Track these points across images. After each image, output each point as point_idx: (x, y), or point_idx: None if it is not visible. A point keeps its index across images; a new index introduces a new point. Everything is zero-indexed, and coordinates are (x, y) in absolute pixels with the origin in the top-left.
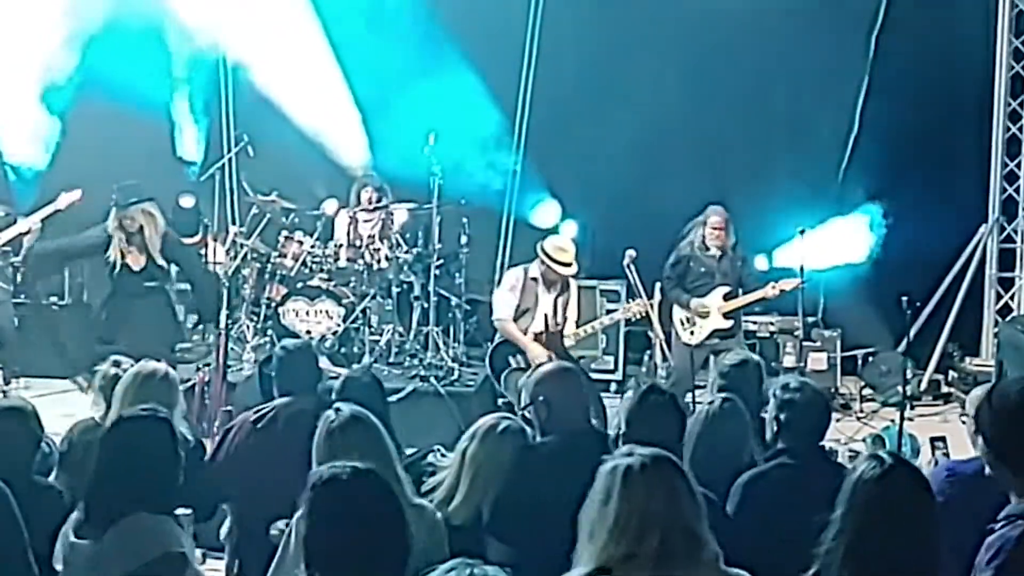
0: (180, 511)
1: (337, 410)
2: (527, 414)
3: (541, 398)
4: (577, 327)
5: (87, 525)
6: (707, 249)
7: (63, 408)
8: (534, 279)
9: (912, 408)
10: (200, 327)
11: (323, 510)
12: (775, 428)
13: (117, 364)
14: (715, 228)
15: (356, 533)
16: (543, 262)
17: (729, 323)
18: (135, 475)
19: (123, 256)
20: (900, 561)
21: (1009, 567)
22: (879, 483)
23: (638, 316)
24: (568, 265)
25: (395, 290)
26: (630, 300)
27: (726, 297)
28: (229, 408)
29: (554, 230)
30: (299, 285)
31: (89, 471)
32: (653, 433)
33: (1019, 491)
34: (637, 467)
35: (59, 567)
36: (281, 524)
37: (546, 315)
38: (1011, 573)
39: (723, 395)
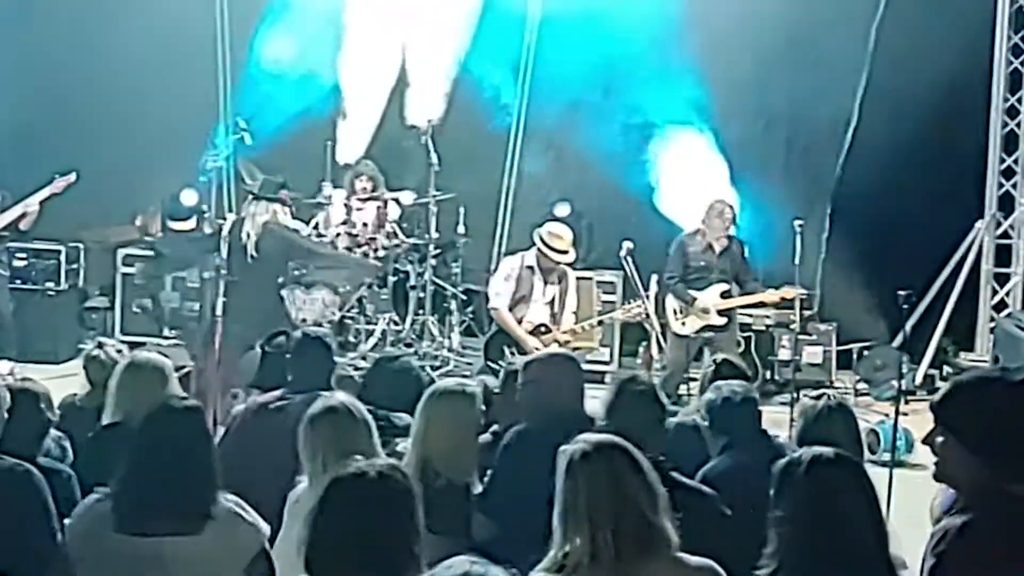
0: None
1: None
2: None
3: (532, 379)
4: (576, 320)
5: (160, 520)
6: (704, 243)
7: (58, 394)
8: (530, 267)
9: (907, 403)
10: (196, 313)
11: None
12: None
13: (100, 345)
14: (713, 221)
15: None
16: (539, 249)
17: (723, 320)
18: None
19: None
20: (836, 557)
21: (950, 554)
22: (808, 477)
23: (638, 318)
24: (564, 252)
25: (391, 279)
26: (629, 301)
27: (723, 295)
28: (236, 392)
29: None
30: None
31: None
32: (631, 424)
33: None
34: (578, 456)
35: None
36: None
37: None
38: (952, 560)
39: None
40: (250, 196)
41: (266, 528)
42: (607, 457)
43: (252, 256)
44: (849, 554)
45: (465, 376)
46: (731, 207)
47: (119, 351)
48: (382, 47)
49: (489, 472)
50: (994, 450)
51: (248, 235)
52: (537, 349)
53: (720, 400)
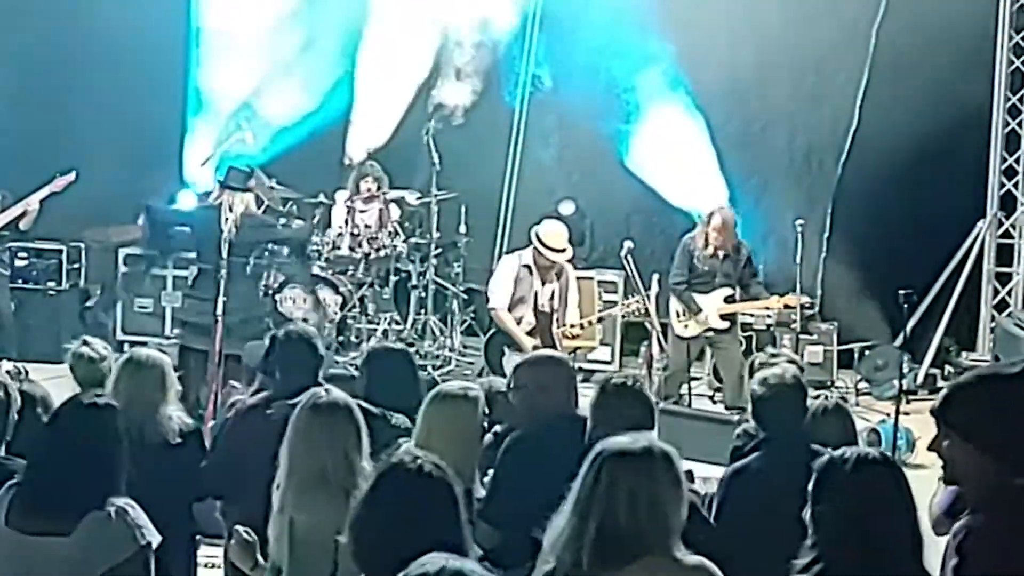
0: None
1: (327, 391)
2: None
3: (524, 383)
4: (579, 316)
5: (40, 518)
6: (708, 248)
7: (59, 394)
8: (527, 267)
9: (908, 402)
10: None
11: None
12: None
13: (85, 343)
14: (715, 230)
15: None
16: (535, 248)
17: (726, 324)
18: (89, 462)
19: None
20: (874, 555)
21: (973, 553)
22: (855, 475)
23: (637, 314)
24: (560, 251)
25: (393, 279)
26: (628, 296)
27: (727, 299)
28: (236, 384)
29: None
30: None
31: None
32: (618, 422)
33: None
34: (603, 456)
35: None
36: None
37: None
38: (975, 558)
39: None
40: (220, 187)
41: (156, 536)
42: (621, 465)
43: (232, 245)
44: (886, 554)
45: (467, 376)
46: (731, 215)
47: (105, 347)
48: (416, 36)
49: (490, 475)
50: (1000, 445)
51: (231, 229)
52: (536, 349)
53: (765, 395)
